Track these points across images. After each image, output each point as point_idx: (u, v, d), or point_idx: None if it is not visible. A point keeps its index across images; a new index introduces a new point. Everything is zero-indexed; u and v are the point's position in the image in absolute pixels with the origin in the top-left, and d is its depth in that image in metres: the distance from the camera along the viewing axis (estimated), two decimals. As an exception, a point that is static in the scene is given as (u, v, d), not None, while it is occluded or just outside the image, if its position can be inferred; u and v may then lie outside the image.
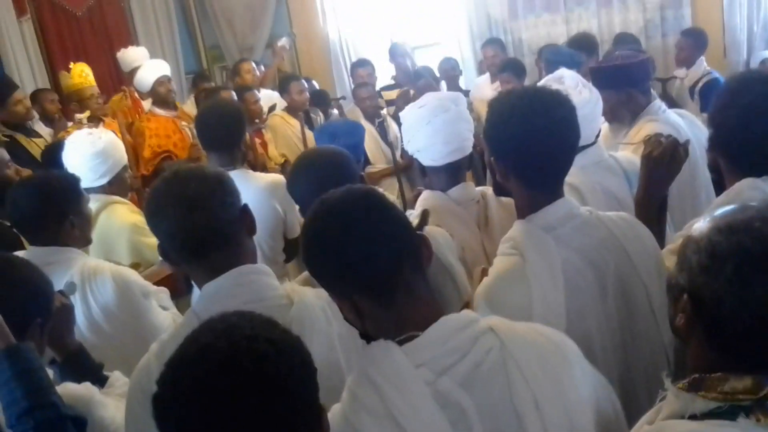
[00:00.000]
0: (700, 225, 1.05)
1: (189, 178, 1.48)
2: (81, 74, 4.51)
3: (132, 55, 5.47)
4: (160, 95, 4.59)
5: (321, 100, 5.42)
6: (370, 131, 4.58)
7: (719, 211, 1.05)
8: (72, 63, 4.66)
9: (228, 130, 2.79)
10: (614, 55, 2.99)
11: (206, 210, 1.45)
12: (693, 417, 0.98)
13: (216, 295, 1.46)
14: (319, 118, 5.25)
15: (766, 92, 1.61)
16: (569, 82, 2.20)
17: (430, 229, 1.87)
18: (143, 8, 6.53)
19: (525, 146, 1.50)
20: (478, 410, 1.10)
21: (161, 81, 4.61)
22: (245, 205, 1.55)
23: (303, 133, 4.52)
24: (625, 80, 2.61)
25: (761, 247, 0.95)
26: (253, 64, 5.61)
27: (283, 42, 5.93)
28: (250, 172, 2.92)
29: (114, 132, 3.59)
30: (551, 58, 3.71)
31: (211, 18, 6.98)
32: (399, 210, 1.23)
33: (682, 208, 2.44)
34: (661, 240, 1.71)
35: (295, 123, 4.71)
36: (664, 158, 1.77)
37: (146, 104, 5.05)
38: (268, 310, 1.41)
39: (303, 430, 0.97)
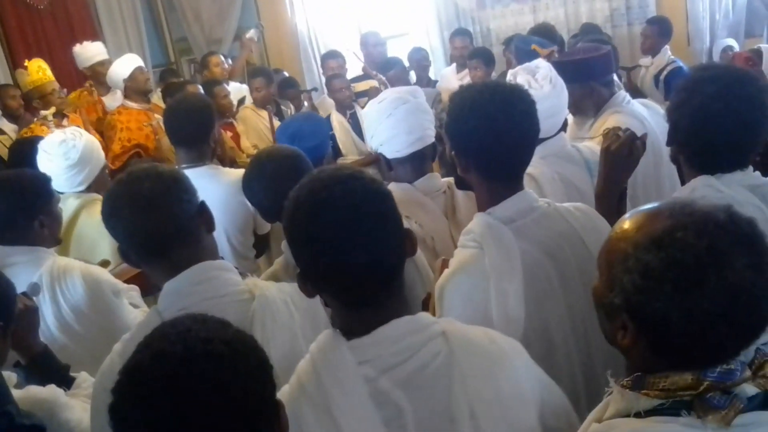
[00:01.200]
0: (619, 240, 1.04)
1: (143, 178, 1.48)
2: (38, 70, 4.43)
3: (91, 50, 5.21)
4: (139, 83, 4.58)
5: (289, 87, 5.38)
6: (342, 123, 4.60)
7: (631, 221, 1.05)
8: (26, 60, 4.58)
9: (196, 125, 2.77)
10: (576, 48, 3.02)
11: (162, 209, 1.46)
12: (638, 415, 0.99)
13: (177, 293, 1.47)
14: (289, 110, 5.24)
15: (716, 93, 1.61)
16: (542, 73, 2.23)
17: None
18: (107, 0, 6.41)
19: (485, 140, 1.52)
20: (414, 412, 1.12)
21: (141, 70, 4.63)
22: (202, 202, 1.56)
23: (272, 126, 4.52)
24: (588, 74, 2.63)
25: (690, 258, 0.95)
26: (222, 57, 5.57)
27: (251, 34, 5.88)
28: (220, 167, 2.91)
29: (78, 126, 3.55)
30: (523, 46, 3.72)
31: (177, 10, 6.89)
32: (396, 207, 1.20)
33: (647, 198, 2.49)
34: (621, 231, 1.75)
35: (266, 115, 4.72)
36: (622, 152, 1.80)
37: (107, 100, 4.97)
38: (229, 305, 1.45)
39: (263, 427, 0.98)
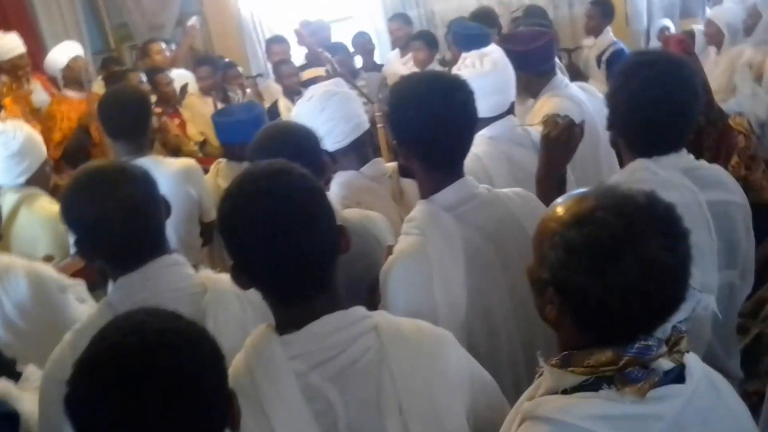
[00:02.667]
0: (550, 221, 1.10)
1: (127, 184, 1.47)
2: (-30, 62, 4.26)
3: (8, 43, 4.63)
4: (75, 73, 4.47)
5: (228, 68, 5.27)
6: (290, 108, 4.56)
7: (561, 203, 1.11)
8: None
9: (133, 117, 2.74)
10: (518, 32, 3.07)
11: (149, 216, 1.49)
12: (565, 391, 1.05)
13: (130, 287, 1.48)
14: (237, 96, 5.18)
15: (652, 76, 1.67)
16: (491, 56, 2.29)
17: (371, 215, 1.95)
18: (42, -15, 6.19)
19: (424, 130, 1.56)
20: (345, 406, 1.15)
21: (76, 59, 4.53)
22: (164, 196, 1.57)
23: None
24: (532, 62, 2.68)
25: (608, 235, 1.00)
26: (163, 45, 5.46)
27: (193, 21, 5.77)
28: (160, 158, 2.88)
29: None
30: (461, 32, 3.75)
31: (116, -6, 6.71)
32: (327, 203, 1.23)
33: (585, 179, 2.56)
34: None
35: (210, 102, 4.67)
36: (561, 138, 1.86)
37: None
38: (182, 299, 1.45)
39: (217, 416, 1.00)
